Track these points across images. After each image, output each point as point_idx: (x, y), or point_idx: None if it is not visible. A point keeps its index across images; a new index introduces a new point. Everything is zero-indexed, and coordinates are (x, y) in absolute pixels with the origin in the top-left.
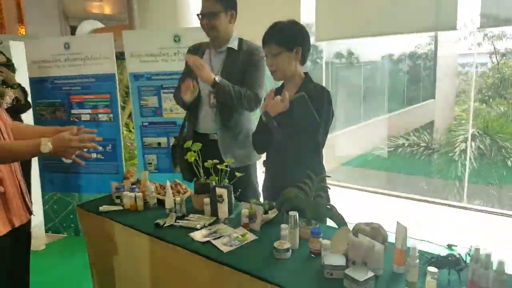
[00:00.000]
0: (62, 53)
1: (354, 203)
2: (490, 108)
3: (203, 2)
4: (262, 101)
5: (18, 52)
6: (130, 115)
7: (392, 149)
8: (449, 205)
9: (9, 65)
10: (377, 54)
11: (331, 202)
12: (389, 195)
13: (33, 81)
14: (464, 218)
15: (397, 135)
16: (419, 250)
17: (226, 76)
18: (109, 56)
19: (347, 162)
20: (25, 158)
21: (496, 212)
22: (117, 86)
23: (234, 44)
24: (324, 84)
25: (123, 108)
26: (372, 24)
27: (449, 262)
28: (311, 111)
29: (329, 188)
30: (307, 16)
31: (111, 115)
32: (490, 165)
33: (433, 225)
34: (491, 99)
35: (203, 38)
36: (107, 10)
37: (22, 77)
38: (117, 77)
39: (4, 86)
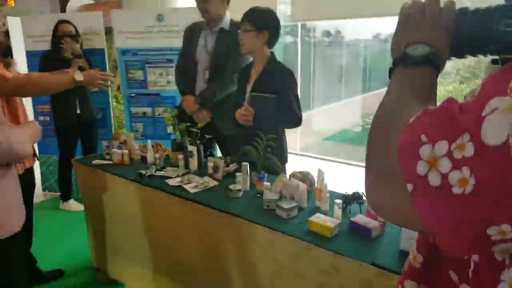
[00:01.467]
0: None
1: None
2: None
3: None
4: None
5: (13, 27)
6: (118, 88)
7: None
8: None
9: (74, 36)
10: (365, 34)
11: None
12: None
13: (29, 54)
14: None
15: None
16: (337, 192)
17: (217, 55)
18: (98, 33)
19: (328, 137)
20: (58, 89)
21: None
22: (107, 60)
23: (226, 25)
24: (310, 62)
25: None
26: (348, 6)
27: (353, 197)
28: (267, 106)
29: (273, 146)
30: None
31: None
32: None
33: None
34: (467, 80)
35: (185, 18)
36: None
37: (19, 51)
38: (106, 52)
39: (72, 55)
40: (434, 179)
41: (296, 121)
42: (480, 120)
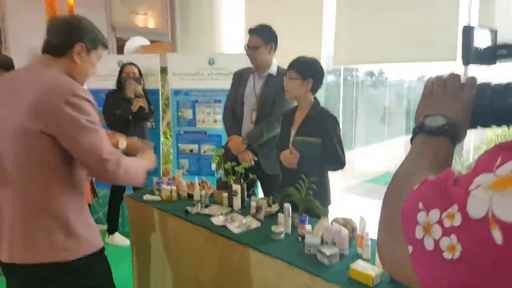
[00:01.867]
0: (116, 69)
1: (376, 218)
2: None
3: (249, 35)
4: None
5: None
6: (167, 124)
7: None
8: None
9: (138, 78)
10: (408, 75)
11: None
12: None
13: (93, 92)
14: None
15: None
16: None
17: (264, 98)
18: (154, 74)
19: (372, 179)
20: None
21: None
22: (160, 99)
23: (273, 71)
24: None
25: (162, 117)
26: (385, 52)
27: None
28: (313, 150)
29: (315, 189)
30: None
31: (153, 123)
32: None
33: None
34: None
35: (234, 62)
36: (151, 24)
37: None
38: (160, 91)
39: (134, 95)
40: (429, 244)
41: (339, 165)
42: (467, 194)
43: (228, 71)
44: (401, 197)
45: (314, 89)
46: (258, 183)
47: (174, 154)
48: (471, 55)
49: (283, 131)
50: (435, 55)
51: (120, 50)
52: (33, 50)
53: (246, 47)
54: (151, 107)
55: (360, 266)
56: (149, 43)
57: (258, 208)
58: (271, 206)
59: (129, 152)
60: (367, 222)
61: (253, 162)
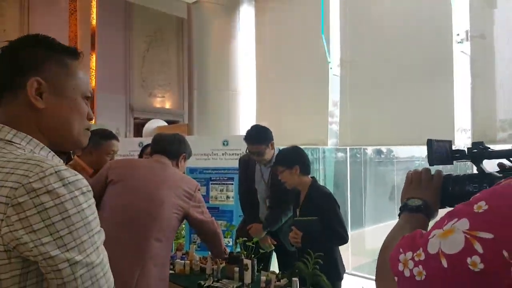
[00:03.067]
0: (136, 150)
1: None
2: None
3: (249, 144)
4: None
5: None
6: None
7: None
8: None
9: None
10: (418, 152)
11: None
12: None
13: None
14: None
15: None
16: None
17: (274, 187)
18: None
19: None
20: None
21: None
22: None
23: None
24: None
25: None
26: (389, 134)
27: None
28: (312, 228)
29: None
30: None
31: None
32: None
33: None
34: None
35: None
36: (168, 105)
37: None
38: None
39: None
40: (407, 273)
41: (341, 239)
42: (427, 241)
43: (241, 151)
44: (388, 252)
45: (305, 171)
46: (273, 256)
47: (187, 229)
48: (434, 159)
49: (292, 212)
50: (434, 137)
51: (136, 128)
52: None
53: (249, 152)
54: None
55: None
56: (166, 124)
57: (268, 282)
58: (280, 281)
59: None
60: None
61: (273, 247)
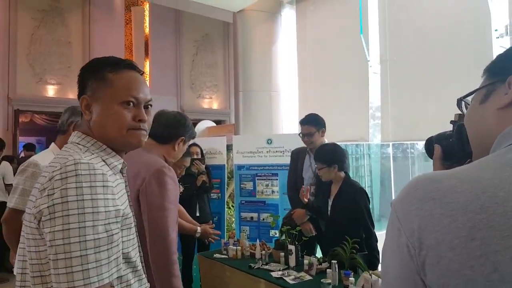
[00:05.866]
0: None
1: None
2: None
3: (302, 125)
4: None
5: None
6: (230, 195)
7: None
8: None
9: (201, 158)
10: None
11: None
12: None
13: None
14: None
15: None
16: None
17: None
18: (221, 153)
19: None
20: (183, 232)
21: None
22: (226, 174)
23: None
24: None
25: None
26: (429, 130)
27: None
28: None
29: (357, 247)
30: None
31: (219, 194)
32: None
33: None
34: None
35: (288, 141)
36: (215, 105)
37: None
38: (226, 167)
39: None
40: None
41: (367, 230)
42: None
43: (284, 149)
44: None
45: (341, 168)
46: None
47: (237, 221)
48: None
49: (323, 201)
50: None
51: None
52: None
53: (301, 135)
54: (211, 181)
55: None
56: (215, 125)
57: (310, 265)
58: (321, 264)
59: (202, 237)
60: None
61: (313, 233)
